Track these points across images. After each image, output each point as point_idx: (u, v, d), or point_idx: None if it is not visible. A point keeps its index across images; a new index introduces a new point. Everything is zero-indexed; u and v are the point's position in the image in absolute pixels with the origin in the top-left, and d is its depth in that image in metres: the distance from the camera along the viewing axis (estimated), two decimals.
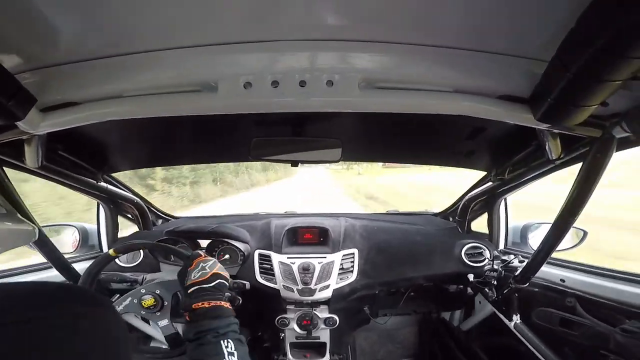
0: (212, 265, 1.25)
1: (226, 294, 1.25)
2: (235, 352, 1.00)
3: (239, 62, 0.94)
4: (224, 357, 0.97)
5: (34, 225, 1.30)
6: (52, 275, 1.63)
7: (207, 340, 1.03)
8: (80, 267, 1.60)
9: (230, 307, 1.17)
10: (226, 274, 1.28)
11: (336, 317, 1.92)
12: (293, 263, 1.86)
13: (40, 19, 0.76)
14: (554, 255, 1.45)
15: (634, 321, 1.25)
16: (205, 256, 1.29)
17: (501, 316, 1.80)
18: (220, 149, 2.07)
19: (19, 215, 1.26)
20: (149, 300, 1.35)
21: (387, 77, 0.98)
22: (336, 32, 0.86)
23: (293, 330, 1.94)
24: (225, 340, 1.02)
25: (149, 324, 1.48)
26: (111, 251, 1.38)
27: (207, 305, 1.12)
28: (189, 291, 1.18)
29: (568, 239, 1.50)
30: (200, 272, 1.21)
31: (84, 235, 2.08)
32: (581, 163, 1.17)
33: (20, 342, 0.44)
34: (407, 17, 0.80)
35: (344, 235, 2.00)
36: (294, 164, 1.65)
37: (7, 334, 0.43)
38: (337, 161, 1.61)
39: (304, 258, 1.88)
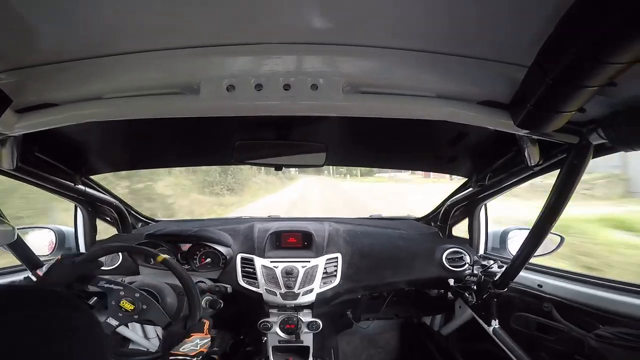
0: (205, 344, 1.34)
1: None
2: None
3: (222, 65, 0.94)
4: None
5: (11, 225, 1.26)
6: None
7: None
8: None
9: None
10: (207, 349, 1.38)
11: (319, 321, 1.92)
12: (276, 267, 1.85)
13: (17, 20, 0.75)
14: (532, 260, 1.47)
15: (607, 327, 1.28)
16: (206, 333, 1.37)
17: (480, 321, 1.82)
18: (203, 152, 2.05)
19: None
20: (127, 304, 1.32)
21: (371, 82, 0.98)
22: (321, 36, 0.86)
23: (276, 334, 1.92)
24: None
25: (127, 327, 1.45)
26: (160, 257, 1.37)
27: None
28: (172, 358, 1.26)
29: (546, 245, 1.53)
30: (191, 348, 1.29)
31: (61, 238, 2.02)
32: (559, 169, 1.19)
33: None
34: (391, 21, 0.81)
35: (328, 239, 2.00)
36: (278, 167, 1.65)
37: None
38: (322, 165, 1.61)
39: (287, 262, 1.87)
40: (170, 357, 1.22)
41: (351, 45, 0.89)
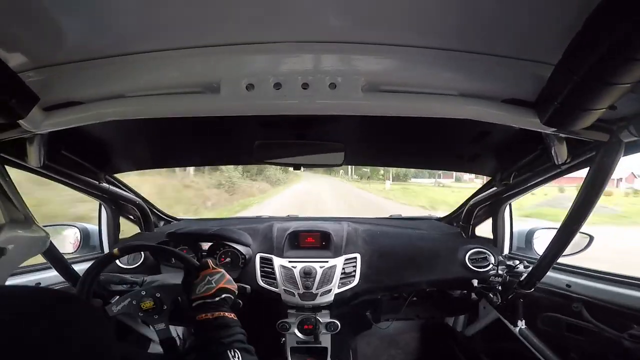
0: (219, 279, 1.23)
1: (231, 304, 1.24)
2: None
3: (242, 64, 0.94)
4: None
5: (45, 231, 1.29)
6: (52, 275, 1.62)
7: (212, 350, 1.02)
8: (81, 267, 1.59)
9: (236, 318, 1.16)
10: (233, 287, 1.27)
11: (338, 322, 1.91)
12: (294, 267, 1.85)
13: (46, 19, 0.76)
14: (560, 260, 1.43)
15: None
16: (212, 268, 1.27)
17: (506, 322, 1.79)
18: (223, 151, 2.07)
19: (34, 221, 1.24)
20: (147, 303, 1.34)
21: (390, 80, 0.97)
22: (339, 34, 0.86)
23: (294, 334, 1.92)
24: (232, 350, 1.00)
25: (149, 327, 1.48)
26: (115, 250, 1.37)
27: (210, 317, 1.11)
28: (194, 304, 1.17)
29: (574, 244, 1.48)
30: (206, 287, 1.19)
31: (85, 235, 2.07)
32: (588, 168, 1.15)
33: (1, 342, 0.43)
34: (411, 19, 0.79)
35: (347, 239, 1.99)
36: (297, 167, 1.65)
37: None
38: (340, 165, 1.60)
39: (305, 262, 1.87)
40: (194, 304, 1.17)
41: (370, 44, 0.88)
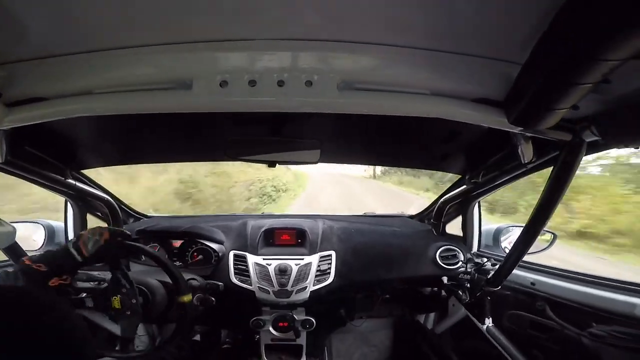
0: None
1: None
2: None
3: (215, 60, 0.93)
4: None
5: (11, 226, 1.24)
6: None
7: None
8: None
9: None
10: None
11: (313, 320, 1.91)
12: (269, 264, 1.84)
13: (7, 14, 0.74)
14: (525, 258, 1.48)
15: (601, 325, 1.29)
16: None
17: (473, 319, 1.83)
18: (195, 148, 2.02)
19: None
20: (117, 301, 1.30)
21: (365, 78, 0.98)
22: (316, 32, 0.86)
23: (268, 332, 1.91)
24: None
25: (117, 324, 1.43)
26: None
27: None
28: None
29: (539, 242, 1.53)
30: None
31: (50, 233, 2.00)
32: (552, 167, 1.19)
33: None
34: (386, 18, 0.80)
35: (322, 237, 1.99)
36: (271, 164, 1.63)
37: None
38: (316, 162, 1.60)
39: (280, 259, 1.86)
40: None
41: (346, 42, 0.88)
